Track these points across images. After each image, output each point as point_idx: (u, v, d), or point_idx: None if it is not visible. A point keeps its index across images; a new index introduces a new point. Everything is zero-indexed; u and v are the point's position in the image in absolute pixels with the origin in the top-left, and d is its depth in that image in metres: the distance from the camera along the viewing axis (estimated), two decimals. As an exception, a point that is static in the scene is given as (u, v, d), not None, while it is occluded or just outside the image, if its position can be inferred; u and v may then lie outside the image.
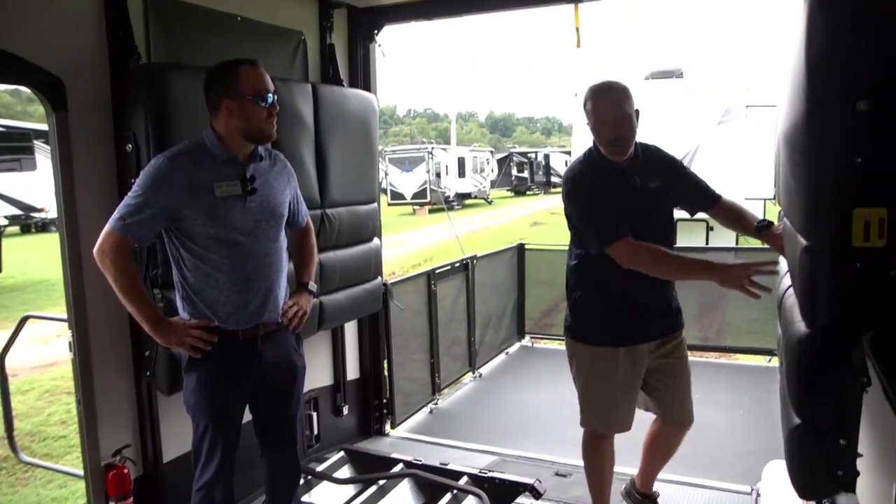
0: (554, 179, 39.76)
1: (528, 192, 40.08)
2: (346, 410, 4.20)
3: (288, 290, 2.67)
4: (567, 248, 2.96)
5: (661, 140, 2.85)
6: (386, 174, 28.68)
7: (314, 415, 3.96)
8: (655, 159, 2.88)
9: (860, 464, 1.67)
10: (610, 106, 2.65)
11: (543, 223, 23.92)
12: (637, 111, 2.71)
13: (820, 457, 1.66)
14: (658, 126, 7.81)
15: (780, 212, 2.50)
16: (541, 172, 40.64)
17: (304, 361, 2.74)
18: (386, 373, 4.54)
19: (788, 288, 2.08)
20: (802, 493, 1.81)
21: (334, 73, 3.87)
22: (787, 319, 1.96)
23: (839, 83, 1.45)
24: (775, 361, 3.97)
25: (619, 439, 3.03)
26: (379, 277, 4.04)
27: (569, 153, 24.15)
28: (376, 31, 4.14)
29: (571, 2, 3.76)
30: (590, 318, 2.87)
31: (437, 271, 5.30)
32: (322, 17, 3.86)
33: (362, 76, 4.18)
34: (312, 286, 2.78)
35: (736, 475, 3.66)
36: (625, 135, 2.67)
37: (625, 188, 2.73)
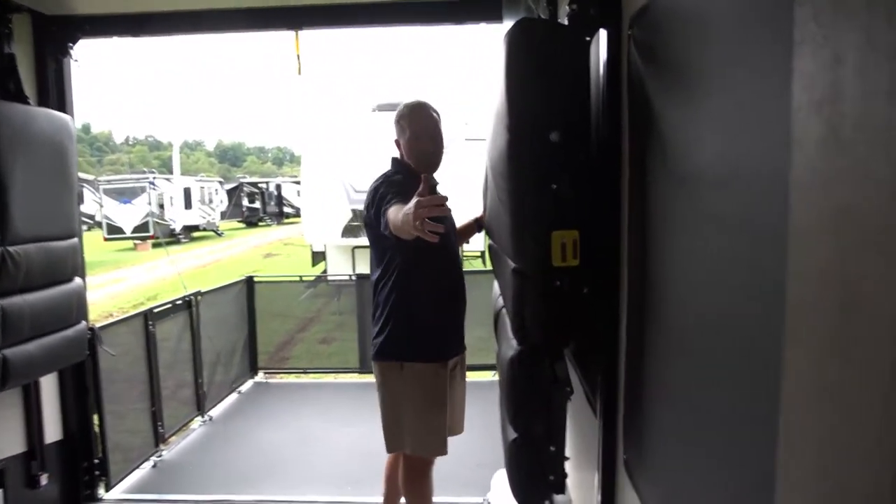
0: (287, 210, 39.33)
1: (260, 223, 39.08)
2: (44, 480, 3.59)
3: None
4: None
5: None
6: (101, 206, 26.09)
7: (0, 492, 3.33)
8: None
9: (569, 465, 1.81)
10: (430, 120, 2.77)
11: (277, 254, 23.44)
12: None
13: (534, 465, 1.77)
14: (387, 156, 8.11)
15: (486, 238, 2.67)
16: (273, 203, 39.96)
17: None
18: (97, 429, 4.01)
19: (502, 308, 2.21)
20: (523, 501, 1.91)
21: (17, 88, 3.32)
22: (502, 337, 2.08)
23: (533, 116, 1.57)
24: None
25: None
26: (83, 322, 3.56)
27: (300, 183, 24.08)
28: (71, 45, 3.66)
29: (291, 29, 3.71)
30: (412, 336, 2.81)
31: (156, 311, 4.84)
32: (-5, 21, 3.31)
33: (56, 94, 3.67)
34: None
35: (468, 487, 3.83)
36: (439, 149, 2.79)
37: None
